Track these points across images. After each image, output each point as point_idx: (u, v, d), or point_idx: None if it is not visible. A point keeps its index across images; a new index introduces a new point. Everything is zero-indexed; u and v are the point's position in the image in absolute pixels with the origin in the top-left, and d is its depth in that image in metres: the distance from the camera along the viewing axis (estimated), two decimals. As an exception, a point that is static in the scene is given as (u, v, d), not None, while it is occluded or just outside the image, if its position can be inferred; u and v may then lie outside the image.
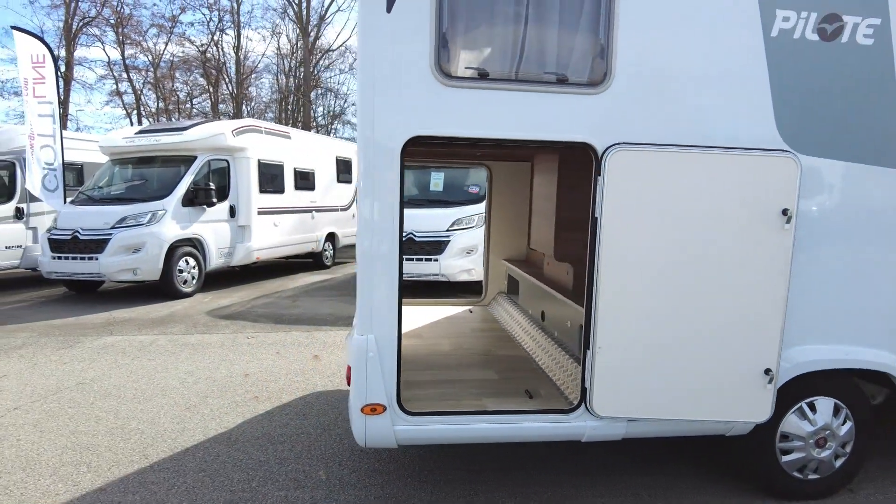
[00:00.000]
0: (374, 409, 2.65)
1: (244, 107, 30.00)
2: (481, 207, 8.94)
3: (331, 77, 31.41)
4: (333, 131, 31.00)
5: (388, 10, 2.44)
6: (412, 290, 9.32)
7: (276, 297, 9.06)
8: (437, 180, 9.70)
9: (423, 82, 2.50)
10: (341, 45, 27.26)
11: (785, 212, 2.58)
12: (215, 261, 9.48)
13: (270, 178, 10.65)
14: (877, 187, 2.82)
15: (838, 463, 3.10)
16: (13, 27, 8.80)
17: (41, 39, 9.04)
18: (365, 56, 2.49)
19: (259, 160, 10.23)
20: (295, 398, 4.61)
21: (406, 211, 9.01)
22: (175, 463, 3.55)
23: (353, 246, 14.75)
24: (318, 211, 12.42)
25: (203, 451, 3.70)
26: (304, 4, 25.28)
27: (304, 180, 11.87)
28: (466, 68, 2.56)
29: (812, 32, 2.68)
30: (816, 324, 2.88)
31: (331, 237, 13.02)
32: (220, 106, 30.56)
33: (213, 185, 9.18)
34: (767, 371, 2.69)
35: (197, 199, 8.96)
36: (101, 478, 3.37)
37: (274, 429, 4.03)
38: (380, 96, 2.49)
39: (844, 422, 3.06)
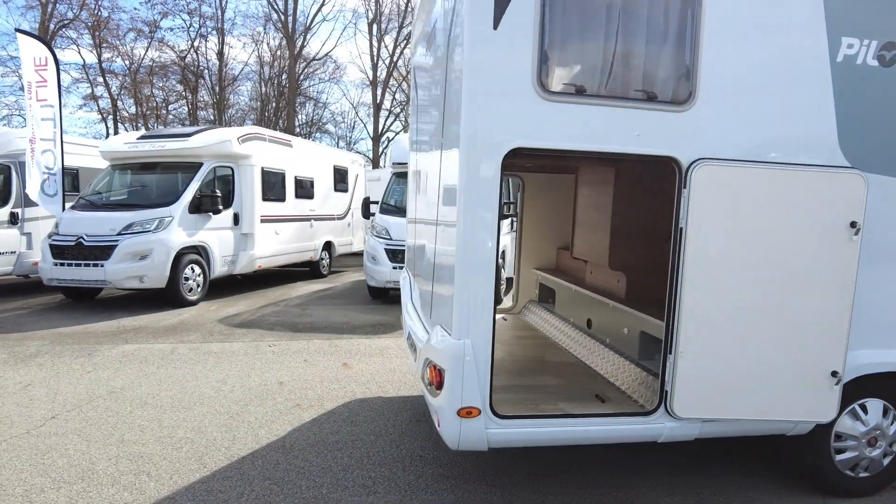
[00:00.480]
0: (469, 413, 2.72)
1: (224, 114, 29.65)
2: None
3: (311, 86, 31.36)
4: (313, 140, 30.95)
5: (495, 27, 2.55)
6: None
7: (283, 305, 8.99)
8: (442, 190, 9.82)
9: (524, 96, 2.61)
10: (326, 55, 27.27)
11: (853, 224, 2.77)
12: (219, 268, 9.37)
13: (273, 186, 10.61)
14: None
15: (886, 461, 3.29)
16: (17, 30, 8.61)
17: (44, 42, 8.86)
18: (470, 70, 2.58)
19: (263, 168, 10.19)
20: (337, 405, 4.63)
21: (392, 219, 9.15)
22: (236, 471, 3.54)
23: (348, 255, 14.78)
24: (316, 219, 12.39)
25: (261, 459, 3.70)
26: (291, 14, 25.23)
27: (304, 188, 11.84)
28: (564, 84, 2.68)
29: (873, 58, 2.89)
30: (871, 329, 3.06)
31: (328, 246, 12.98)
32: (200, 113, 30.18)
33: (219, 193, 9.10)
34: (834, 373, 2.86)
35: (203, 206, 8.87)
36: (164, 487, 3.34)
37: (326, 436, 4.04)
38: (483, 109, 2.59)
39: (893, 422, 3.26)
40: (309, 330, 7.21)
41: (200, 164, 9.07)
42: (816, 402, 2.91)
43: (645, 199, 3.99)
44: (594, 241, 4.29)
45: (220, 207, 9.12)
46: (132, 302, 8.93)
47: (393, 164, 10.14)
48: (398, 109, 29.28)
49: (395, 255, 8.86)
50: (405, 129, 31.92)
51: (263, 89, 30.97)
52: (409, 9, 26.09)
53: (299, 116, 30.80)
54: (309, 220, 12.08)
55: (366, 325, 7.56)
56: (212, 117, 30.67)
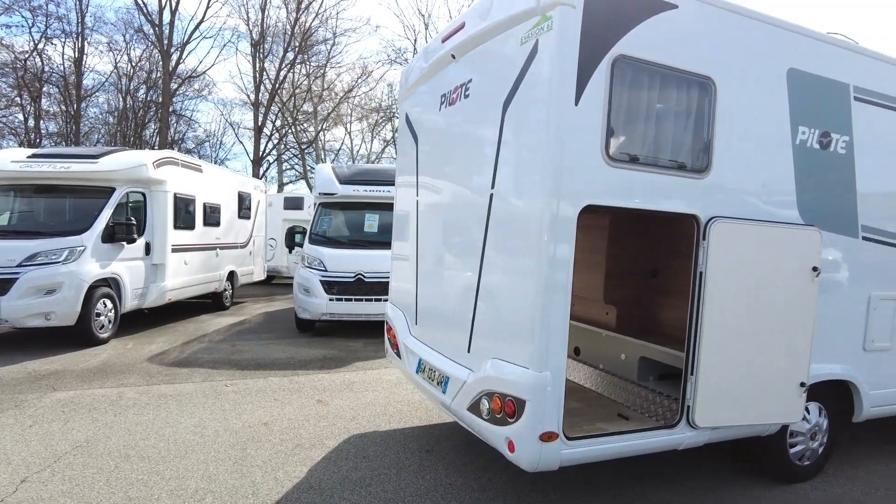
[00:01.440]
0: (549, 437, 3.07)
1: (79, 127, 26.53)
2: (422, 250, 9.45)
3: (181, 102, 29.36)
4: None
5: (576, 103, 3.02)
6: (359, 328, 9.42)
7: (207, 341, 8.45)
8: (371, 221, 9.98)
9: (595, 162, 3.09)
10: (204, 72, 25.80)
11: (815, 269, 3.64)
12: (130, 302, 8.56)
13: (183, 213, 9.96)
14: (842, 251, 4.04)
15: (820, 451, 4.22)
16: None
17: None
18: (557, 139, 3.00)
19: (175, 194, 9.55)
20: (339, 443, 4.64)
21: (354, 251, 9.32)
22: (278, 515, 3.48)
23: (251, 284, 14.12)
24: (221, 248, 11.78)
25: (300, 502, 3.65)
26: (167, 26, 23.59)
27: (212, 216, 11.23)
28: (622, 153, 3.21)
29: (815, 143, 3.84)
30: (817, 348, 3.96)
31: (231, 276, 12.34)
32: (45, 124, 26.73)
33: (133, 220, 8.38)
34: (802, 384, 3.68)
35: (117, 234, 8.10)
36: (211, 539, 3.20)
37: (348, 473, 4.08)
38: (566, 173, 3.02)
39: (825, 420, 4.20)
40: (256, 367, 6.94)
41: (112, 189, 8.30)
42: (790, 407, 3.71)
43: (633, 243, 4.69)
44: (589, 278, 4.88)
45: (136, 236, 8.40)
46: (27, 342, 7.81)
47: (319, 193, 10.07)
48: (282, 132, 28.49)
49: (332, 287, 8.83)
50: (300, 154, 31.10)
51: (124, 103, 28.31)
52: (296, 32, 25.79)
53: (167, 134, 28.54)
54: (215, 248, 11.45)
55: (313, 360, 7.44)
56: (56, 129, 27.31)
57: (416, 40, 32.08)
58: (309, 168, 35.55)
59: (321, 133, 32.09)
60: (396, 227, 5.42)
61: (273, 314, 11.61)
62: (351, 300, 8.81)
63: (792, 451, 4.10)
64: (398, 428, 5.03)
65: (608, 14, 3.09)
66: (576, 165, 3.06)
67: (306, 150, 32.76)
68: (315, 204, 10.19)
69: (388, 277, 8.83)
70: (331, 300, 8.77)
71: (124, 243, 8.30)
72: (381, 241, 9.60)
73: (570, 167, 3.04)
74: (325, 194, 10.02)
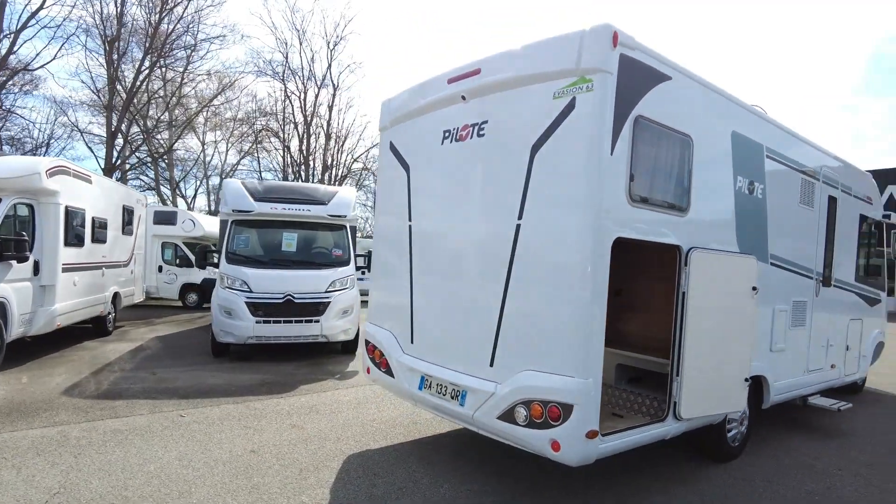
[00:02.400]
0: (593, 434, 3.59)
1: None
2: (351, 269, 9.53)
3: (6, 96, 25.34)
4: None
5: (611, 153, 3.64)
6: (280, 351, 9.16)
7: (117, 370, 7.64)
8: (290, 240, 9.79)
9: (622, 202, 3.73)
10: (42, 66, 22.55)
11: (754, 288, 4.65)
12: (16, 329, 7.44)
13: (74, 228, 8.90)
14: (765, 275, 5.17)
15: (744, 434, 5.28)
16: None
17: None
18: (596, 183, 3.58)
19: (66, 207, 8.52)
20: (340, 464, 4.69)
21: (281, 272, 9.24)
22: (328, 536, 3.54)
23: (133, 307, 12.78)
24: (107, 267, 10.63)
25: (339, 520, 3.73)
26: (-1, 8, 20.30)
27: (99, 231, 10.13)
28: (637, 195, 3.88)
29: (746, 189, 4.92)
30: (743, 351, 5.01)
31: (115, 298, 11.13)
32: None
33: (25, 235, 7.35)
34: (746, 379, 4.66)
35: (5, 251, 7.06)
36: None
37: (370, 490, 4.19)
38: (604, 210, 3.60)
39: (747, 407, 5.27)
40: (199, 395, 6.52)
41: None
42: (738, 398, 4.67)
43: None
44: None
45: (28, 253, 7.37)
46: None
47: (233, 210, 9.62)
48: (132, 141, 25.84)
49: (258, 309, 8.52)
50: (154, 164, 28.13)
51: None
52: (157, 35, 23.81)
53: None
54: (101, 267, 10.31)
55: (254, 385, 7.17)
56: None
57: (287, 55, 31.45)
58: (162, 179, 32.72)
59: (176, 142, 29.79)
60: (380, 250, 5.60)
61: (168, 339, 10.72)
62: (280, 322, 8.58)
63: (728, 434, 5.09)
64: (388, 445, 5.20)
65: (631, 82, 3.77)
66: (610, 205, 3.67)
67: (160, 161, 30.16)
68: (229, 222, 9.68)
69: (317, 298, 8.91)
70: (258, 323, 8.46)
71: (13, 262, 7.25)
72: (308, 260, 9.55)
73: (606, 206, 3.64)
74: (240, 211, 9.62)
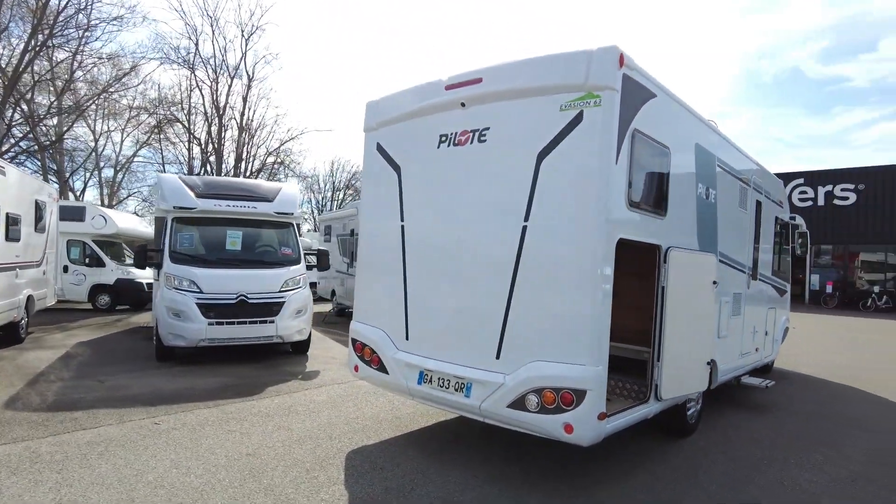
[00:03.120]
0: (602, 416, 3.96)
1: None
2: (302, 268, 9.39)
3: None
4: None
5: (616, 163, 4.03)
6: (229, 353, 8.86)
7: (55, 380, 7.05)
8: (234, 238, 9.47)
9: (623, 206, 4.14)
10: None
11: (714, 282, 5.28)
12: (-67, 341, 6.65)
13: (-10, 225, 8.05)
14: (717, 270, 5.86)
15: (699, 412, 5.96)
16: None
17: None
18: (605, 189, 3.95)
19: (-16, 202, 7.70)
20: (343, 462, 4.74)
21: (232, 272, 9.09)
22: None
23: (46, 310, 11.67)
24: (21, 268, 9.67)
25: (366, 513, 3.83)
26: None
27: (14, 228, 9.20)
28: (632, 200, 4.31)
29: (703, 195, 5.55)
30: (699, 338, 5.66)
31: (28, 302, 10.14)
32: None
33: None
34: (708, 362, 5.29)
35: (-78, 253, 6.29)
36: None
37: (386, 483, 4.31)
38: (609, 213, 3.99)
39: (701, 388, 5.95)
40: (163, 402, 6.21)
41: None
42: (703, 379, 5.29)
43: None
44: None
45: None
46: None
47: (174, 207, 9.12)
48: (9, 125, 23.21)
49: (210, 310, 8.19)
50: (41, 155, 25.30)
51: None
52: (45, 10, 21.59)
53: None
54: (15, 268, 9.37)
55: (217, 389, 6.93)
56: None
57: (197, 42, 29.66)
58: (50, 171, 29.62)
59: (67, 131, 27.17)
60: (369, 250, 5.67)
61: (95, 344, 9.96)
62: (233, 323, 8.30)
63: (688, 413, 5.72)
64: (382, 440, 5.31)
65: (630, 99, 4.19)
66: (614, 209, 4.07)
67: (48, 151, 27.32)
68: (169, 220, 9.16)
69: (271, 298, 8.74)
70: (210, 324, 8.13)
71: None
72: (258, 259, 9.29)
73: (612, 210, 4.03)
74: (182, 208, 9.15)
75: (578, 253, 4.08)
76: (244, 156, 33.16)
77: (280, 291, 8.78)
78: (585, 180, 4.07)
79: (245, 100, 31.35)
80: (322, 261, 10.19)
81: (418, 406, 6.39)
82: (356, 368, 5.56)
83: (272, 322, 8.55)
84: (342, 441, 5.22)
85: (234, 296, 8.35)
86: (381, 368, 5.25)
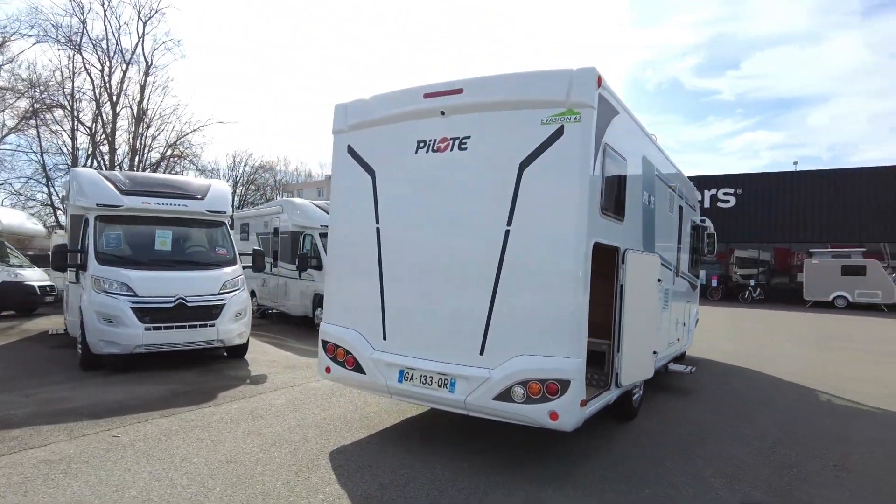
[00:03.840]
0: (584, 403, 4.37)
1: None
2: (239, 269, 9.10)
3: None
4: None
5: (593, 172, 4.44)
6: (162, 359, 8.42)
7: (-29, 397, 6.35)
8: (164, 238, 8.99)
9: (597, 212, 4.57)
10: None
11: (658, 280, 5.91)
12: None
13: None
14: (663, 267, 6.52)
15: (641, 394, 6.61)
16: None
17: None
18: (586, 197, 4.35)
19: None
20: (327, 462, 4.78)
21: (169, 273, 8.84)
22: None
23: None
24: None
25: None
26: None
27: None
28: (603, 207, 4.75)
29: (647, 202, 6.18)
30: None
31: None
32: None
33: None
34: (654, 352, 5.91)
35: None
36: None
37: (380, 480, 4.42)
38: (587, 220, 4.39)
39: (641, 375, 6.61)
40: (111, 413, 5.83)
41: None
42: (650, 367, 5.90)
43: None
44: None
45: None
46: None
47: (96, 204, 8.46)
48: None
49: (146, 314, 7.73)
50: None
51: None
52: None
53: None
54: None
55: (166, 396, 6.60)
56: None
57: (84, 21, 27.08)
58: None
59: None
60: (340, 252, 5.72)
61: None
62: (172, 328, 7.88)
63: (633, 398, 6.34)
64: (359, 439, 5.39)
65: (602, 116, 4.63)
66: (591, 215, 4.49)
67: None
68: (91, 218, 8.48)
69: (211, 301, 8.43)
70: (147, 329, 7.67)
71: None
72: (193, 260, 8.89)
73: (589, 216, 4.45)
74: (106, 206, 8.53)
75: (561, 256, 4.45)
76: (140, 147, 30.83)
77: (219, 294, 8.45)
78: (567, 189, 4.45)
79: (143, 88, 29.15)
80: (257, 261, 9.90)
81: (382, 404, 6.52)
82: (327, 370, 5.60)
83: (212, 326, 8.22)
84: (319, 443, 5.24)
85: (172, 299, 7.93)
86: (357, 369, 5.33)
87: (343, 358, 5.45)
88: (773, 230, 27.40)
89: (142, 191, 8.91)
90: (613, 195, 5.15)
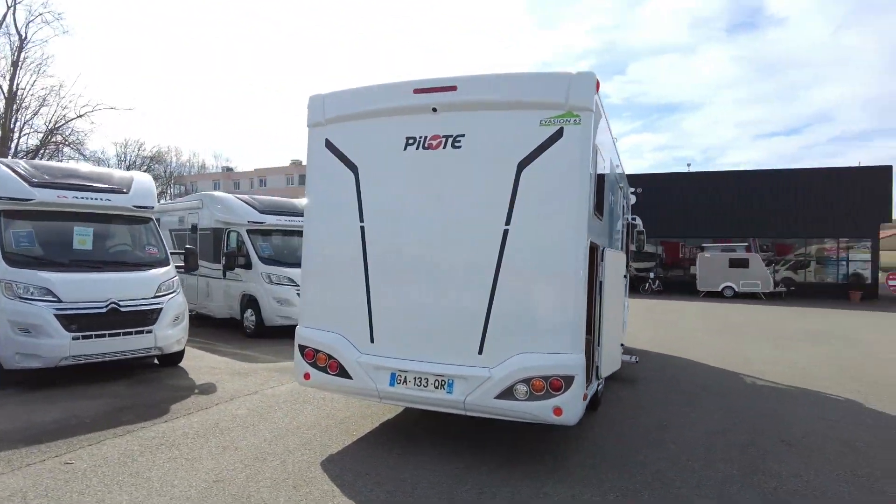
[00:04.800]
0: (585, 397, 4.51)
1: None
2: (173, 270, 8.40)
3: None
4: None
5: (590, 175, 4.58)
6: (80, 372, 7.58)
7: None
8: (83, 236, 8.07)
9: (591, 214, 4.73)
10: None
11: (624, 275, 6.23)
12: None
13: None
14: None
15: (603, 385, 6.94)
16: None
17: None
18: (586, 197, 4.49)
19: None
20: (319, 473, 4.57)
21: (98, 276, 8.21)
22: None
23: None
24: None
25: (387, 518, 3.82)
26: None
27: None
28: (594, 209, 4.91)
29: (612, 202, 6.48)
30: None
31: None
32: None
33: None
34: (622, 345, 6.22)
35: None
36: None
37: (384, 486, 4.29)
38: (585, 221, 4.53)
39: (602, 367, 6.94)
40: (52, 436, 5.13)
41: None
42: (618, 359, 6.20)
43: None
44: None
45: None
46: None
47: (2, 197, 7.38)
48: None
49: (73, 322, 6.89)
50: None
51: None
52: None
53: None
54: None
55: (109, 412, 5.93)
56: None
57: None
58: None
59: None
60: (319, 251, 5.44)
61: None
62: (105, 336, 7.08)
63: (598, 389, 6.63)
64: (345, 446, 5.19)
65: (595, 118, 4.78)
66: (587, 215, 4.63)
67: None
68: (-4, 213, 7.40)
69: (148, 305, 7.78)
70: (75, 339, 6.84)
71: None
72: (121, 261, 8.06)
73: (586, 216, 4.59)
74: (13, 200, 7.50)
75: (562, 254, 4.57)
76: (8, 131, 27.35)
77: (156, 297, 7.72)
78: (567, 190, 4.57)
79: (16, 65, 25.79)
80: (190, 260, 9.17)
81: (352, 409, 6.32)
82: (306, 376, 5.33)
83: (150, 332, 7.50)
84: (304, 453, 4.97)
85: (104, 304, 7.13)
86: (342, 374, 5.12)
87: (325, 363, 5.21)
88: (669, 226, 29.82)
89: (56, 183, 7.89)
90: (598, 195, 5.35)
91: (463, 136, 4.86)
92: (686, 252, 30.17)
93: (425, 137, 4.99)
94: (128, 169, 41.61)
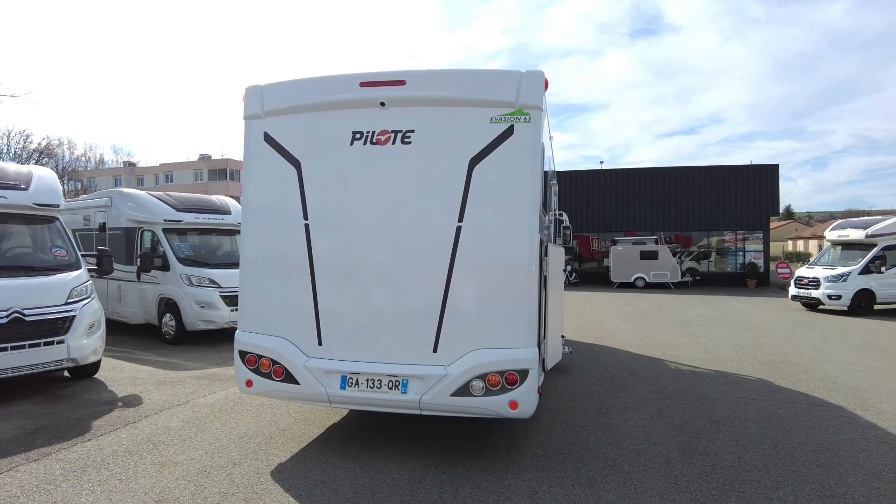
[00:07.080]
0: (539, 390, 4.60)
1: None
2: (86, 273, 7.71)
3: None
4: None
5: (539, 172, 4.67)
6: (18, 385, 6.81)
7: None
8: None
9: (541, 210, 4.82)
10: None
11: (564, 270, 6.43)
12: None
13: None
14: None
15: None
16: None
17: None
18: (536, 193, 4.57)
19: None
20: (276, 485, 4.36)
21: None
22: None
23: None
24: None
25: None
26: None
27: None
28: (543, 204, 5.01)
29: (548, 198, 6.66)
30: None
31: None
32: None
33: None
34: (563, 336, 6.41)
35: None
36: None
37: (343, 493, 4.17)
38: (537, 216, 4.62)
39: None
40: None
41: None
42: (559, 350, 6.40)
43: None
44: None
45: None
46: None
47: None
48: None
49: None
50: None
51: None
52: None
53: None
54: None
55: (20, 435, 5.32)
56: None
57: None
58: None
59: None
60: (259, 251, 5.18)
61: None
62: (6, 350, 6.35)
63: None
64: (295, 454, 4.98)
65: (545, 116, 4.89)
66: (538, 211, 4.73)
67: None
68: None
69: (58, 312, 7.13)
70: (-13, 353, 6.09)
71: None
72: (25, 265, 7.26)
73: (536, 212, 4.68)
74: None
75: (515, 250, 4.62)
76: None
77: (67, 303, 7.03)
78: (518, 186, 4.63)
79: None
80: (104, 263, 8.42)
81: (294, 414, 6.10)
82: (248, 383, 5.07)
83: (61, 343, 6.81)
84: (251, 464, 4.72)
85: (5, 313, 6.39)
86: (289, 379, 4.91)
87: (269, 369, 4.98)
88: (582, 221, 31.17)
89: (-62, 179, 6.99)
90: (543, 192, 5.47)
91: (413, 131, 4.80)
92: (598, 245, 31.64)
93: (373, 132, 4.88)
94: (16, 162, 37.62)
